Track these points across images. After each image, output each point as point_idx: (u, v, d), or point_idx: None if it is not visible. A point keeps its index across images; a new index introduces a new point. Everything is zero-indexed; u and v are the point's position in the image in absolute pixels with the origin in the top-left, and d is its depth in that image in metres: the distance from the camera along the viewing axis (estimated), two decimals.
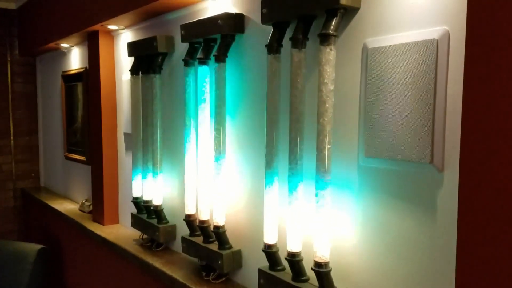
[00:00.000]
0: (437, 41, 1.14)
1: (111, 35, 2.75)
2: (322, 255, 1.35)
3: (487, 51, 0.93)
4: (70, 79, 3.45)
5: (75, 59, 3.34)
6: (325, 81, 1.32)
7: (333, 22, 1.32)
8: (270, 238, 1.53)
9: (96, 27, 2.61)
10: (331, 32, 1.31)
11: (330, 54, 1.31)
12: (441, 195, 1.15)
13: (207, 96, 1.85)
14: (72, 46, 3.34)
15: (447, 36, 1.13)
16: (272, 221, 1.53)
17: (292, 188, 1.43)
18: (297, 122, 1.42)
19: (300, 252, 1.45)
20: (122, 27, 2.59)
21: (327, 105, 1.32)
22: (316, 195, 1.35)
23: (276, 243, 1.54)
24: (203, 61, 1.85)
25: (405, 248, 1.23)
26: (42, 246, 3.08)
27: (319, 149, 1.34)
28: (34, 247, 3.06)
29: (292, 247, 1.44)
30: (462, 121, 1.00)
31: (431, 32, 1.16)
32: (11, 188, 3.99)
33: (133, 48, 2.36)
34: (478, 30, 0.95)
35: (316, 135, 1.34)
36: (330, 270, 1.36)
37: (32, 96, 4.09)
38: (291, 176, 1.43)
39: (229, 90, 1.80)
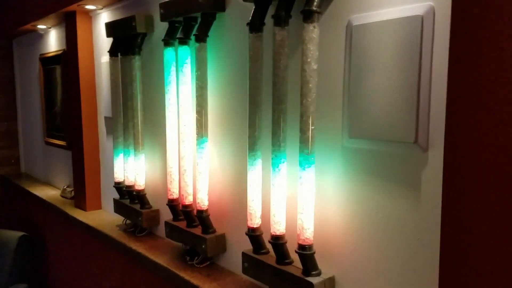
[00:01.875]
0: (422, 17, 1.10)
1: (89, 15, 2.67)
2: (306, 237, 1.33)
3: (473, 27, 0.90)
4: (48, 62, 3.35)
5: (53, 41, 3.24)
6: (309, 60, 1.28)
7: None
8: (253, 221, 1.51)
9: (73, 7, 2.52)
10: (314, 8, 1.27)
11: (313, 31, 1.27)
12: (425, 176, 1.13)
13: (188, 77, 1.80)
14: (50, 28, 3.23)
15: (432, 12, 1.10)
16: (255, 204, 1.50)
17: (275, 170, 1.41)
18: (280, 103, 1.39)
19: (283, 235, 1.43)
20: (100, 7, 2.50)
21: (310, 85, 1.29)
22: (300, 177, 1.32)
23: (259, 227, 1.52)
24: (183, 41, 1.79)
25: (390, 229, 1.21)
26: (24, 233, 3.03)
27: (303, 131, 1.31)
28: (15, 235, 3.00)
29: (276, 230, 1.42)
30: (447, 100, 0.98)
31: (416, 8, 1.12)
32: None
33: (111, 28, 2.28)
34: (463, 5, 0.92)
35: (299, 116, 1.31)
36: (313, 253, 1.34)
37: (10, 81, 3.97)
38: (274, 159, 1.40)
39: (211, 71, 1.75)
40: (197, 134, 1.72)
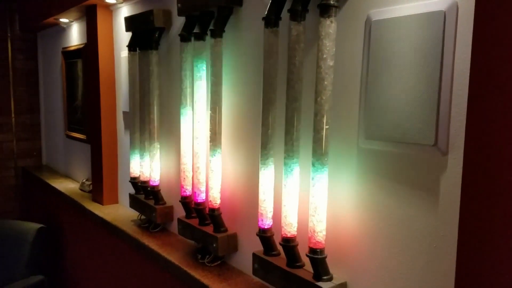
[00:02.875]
0: (445, 12, 1.04)
1: (110, 9, 2.67)
2: (317, 240, 1.28)
3: (497, 24, 0.84)
4: (70, 55, 3.38)
5: (75, 35, 3.26)
6: (324, 56, 1.23)
7: None
8: (264, 222, 1.47)
9: (94, 1, 2.52)
10: (332, 2, 1.22)
11: (330, 26, 1.22)
12: (444, 180, 1.07)
13: (203, 73, 1.77)
14: (72, 22, 3.26)
15: (455, 7, 1.04)
16: (266, 204, 1.46)
17: (287, 171, 1.36)
18: (294, 101, 1.34)
19: (294, 237, 1.39)
20: (120, 0, 2.50)
21: (325, 83, 1.24)
22: (312, 179, 1.28)
23: (270, 228, 1.48)
24: (199, 36, 1.76)
25: (405, 235, 1.16)
26: (42, 225, 3.06)
27: (316, 130, 1.26)
28: (33, 226, 3.04)
29: (287, 232, 1.38)
30: (468, 100, 0.92)
31: (439, 3, 1.06)
32: (12, 167, 3.97)
33: (130, 22, 2.27)
34: (488, 0, 0.86)
35: (313, 114, 1.26)
36: (325, 257, 1.29)
37: (34, 73, 4.03)
38: (286, 158, 1.36)
39: (227, 67, 1.72)
40: (210, 131, 1.69)
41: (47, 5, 3.16)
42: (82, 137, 3.22)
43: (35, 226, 3.05)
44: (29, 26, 3.70)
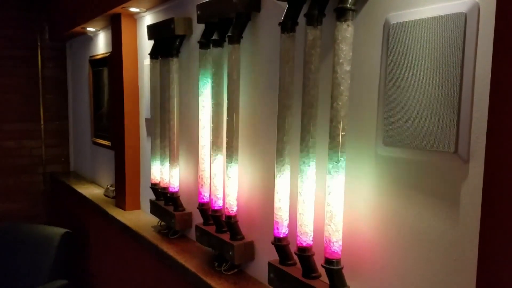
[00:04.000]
0: (466, 14, 1.00)
1: (134, 18, 2.71)
2: (333, 250, 1.24)
3: None
4: (97, 63, 3.45)
5: (101, 44, 3.33)
6: (341, 61, 1.20)
7: None
8: (279, 230, 1.44)
9: (118, 9, 2.56)
10: (348, 6, 1.19)
11: (347, 30, 1.19)
12: (465, 190, 1.02)
13: (221, 79, 1.76)
14: (98, 30, 3.32)
15: (476, 9, 0.99)
16: (282, 212, 1.43)
17: (302, 178, 1.33)
18: (309, 107, 1.31)
19: (310, 246, 1.35)
20: (144, 9, 2.53)
21: (341, 88, 1.21)
22: (328, 186, 1.24)
23: (286, 236, 1.45)
24: (218, 43, 1.76)
25: (424, 247, 1.11)
26: (67, 230, 3.11)
27: (332, 136, 1.22)
28: (58, 231, 3.09)
29: (302, 241, 1.34)
30: (489, 106, 0.87)
31: (459, 5, 1.02)
32: (41, 172, 4.06)
33: (152, 31, 2.30)
34: (511, 2, 0.82)
35: (329, 121, 1.23)
36: (341, 268, 1.25)
37: (63, 81, 4.13)
38: (302, 165, 1.33)
39: (244, 73, 1.70)
40: (227, 137, 1.68)
41: (74, 14, 3.24)
42: (107, 144, 3.27)
43: (61, 231, 3.10)
44: (58, 35, 3.80)
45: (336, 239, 1.24)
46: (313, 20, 1.29)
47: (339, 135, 1.22)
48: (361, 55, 1.25)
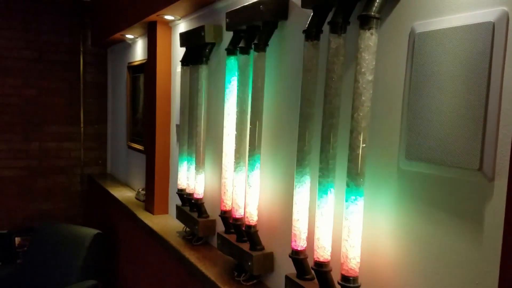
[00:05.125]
0: (494, 24, 0.94)
1: (169, 26, 2.75)
2: (350, 267, 1.20)
3: None
4: (134, 70, 3.53)
5: (139, 51, 3.40)
6: (363, 70, 1.16)
7: (376, 3, 1.16)
8: (297, 243, 1.40)
9: (153, 17, 2.61)
10: (372, 13, 1.15)
11: (370, 39, 1.15)
12: (489, 210, 0.96)
13: (246, 87, 1.75)
14: (137, 38, 3.40)
15: (505, 17, 0.93)
16: (300, 224, 1.39)
17: (321, 190, 1.29)
18: (331, 117, 1.28)
19: (328, 262, 1.31)
20: (178, 17, 2.56)
21: (363, 98, 1.17)
22: (346, 200, 1.20)
23: (304, 250, 1.41)
24: (244, 50, 1.75)
25: (445, 269, 1.05)
26: (98, 231, 3.18)
27: (352, 148, 1.18)
28: (90, 232, 3.16)
29: (319, 256, 1.30)
30: None
31: (487, 13, 0.97)
32: (79, 174, 4.19)
33: (184, 38, 2.32)
34: None
35: (350, 132, 1.19)
36: (358, 286, 1.20)
37: (103, 86, 4.25)
38: (321, 177, 1.29)
39: (269, 81, 1.68)
40: (250, 145, 1.66)
41: (114, 21, 3.33)
42: (140, 148, 3.33)
43: (93, 231, 3.16)
44: (100, 41, 3.92)
45: (353, 256, 1.19)
46: (337, 28, 1.25)
47: (359, 146, 1.18)
48: (386, 65, 1.21)
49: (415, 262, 1.12)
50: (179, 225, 2.49)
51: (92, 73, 4.19)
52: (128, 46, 3.66)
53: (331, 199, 1.29)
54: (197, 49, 2.19)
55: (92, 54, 4.16)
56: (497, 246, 0.93)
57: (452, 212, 1.04)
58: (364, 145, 1.18)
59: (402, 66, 1.16)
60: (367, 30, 1.16)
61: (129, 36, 3.35)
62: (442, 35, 1.05)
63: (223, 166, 1.90)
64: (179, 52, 2.63)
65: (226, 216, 1.88)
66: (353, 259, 1.20)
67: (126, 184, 3.78)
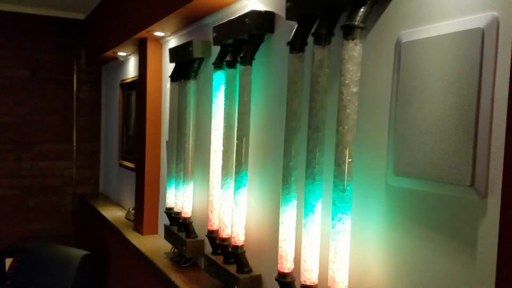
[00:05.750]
0: (483, 30, 0.89)
1: (160, 42, 2.71)
2: None
3: None
4: (127, 87, 3.49)
5: (132, 68, 3.37)
6: (347, 81, 1.11)
7: (360, 12, 1.11)
8: (284, 265, 1.32)
9: (143, 34, 2.57)
10: (356, 23, 1.10)
11: (354, 49, 1.10)
12: (483, 228, 0.89)
13: (233, 102, 1.70)
14: (129, 55, 3.37)
15: (495, 23, 0.88)
16: (287, 245, 1.32)
17: (308, 209, 1.22)
18: (316, 131, 1.22)
19: (315, 285, 1.23)
20: (168, 33, 2.53)
21: (348, 111, 1.11)
22: (332, 219, 1.13)
23: (291, 272, 1.33)
24: (231, 64, 1.70)
25: None
26: (88, 252, 3.09)
27: (337, 164, 1.12)
28: (79, 253, 3.07)
29: (306, 279, 1.22)
30: (507, 132, 0.75)
31: (476, 19, 0.91)
32: (71, 193, 4.11)
33: (173, 54, 2.28)
34: None
35: (335, 146, 1.13)
36: None
37: (97, 104, 4.21)
38: (307, 193, 1.23)
39: (256, 96, 1.63)
40: (236, 161, 1.60)
41: (106, 39, 3.31)
42: (132, 166, 3.26)
43: (82, 252, 3.08)
44: (94, 59, 3.89)
45: (340, 279, 1.12)
46: (321, 39, 1.21)
47: (345, 162, 1.11)
48: (371, 76, 1.15)
49: (403, 284, 1.05)
50: (167, 246, 2.41)
51: (86, 91, 4.15)
52: (121, 64, 3.63)
53: (317, 218, 1.22)
54: (185, 65, 2.15)
55: (86, 72, 4.13)
56: (491, 267, 0.86)
57: (443, 232, 0.97)
58: (350, 159, 1.11)
59: (388, 77, 1.11)
60: (351, 40, 1.11)
61: (121, 53, 3.32)
62: (429, 44, 1.00)
63: (210, 184, 1.83)
64: (170, 68, 2.58)
65: (213, 236, 1.80)
66: (340, 282, 1.12)
67: (117, 204, 3.70)
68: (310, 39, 1.29)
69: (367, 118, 1.16)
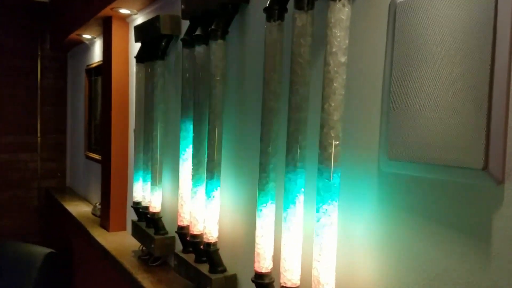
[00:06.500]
0: None
1: (126, 21, 2.50)
2: None
3: None
4: (92, 73, 3.27)
5: (97, 52, 3.14)
6: (334, 50, 0.94)
7: None
8: (261, 264, 1.16)
9: (108, 11, 2.36)
10: None
11: (341, 11, 0.94)
12: (498, 219, 0.74)
13: (205, 82, 1.52)
14: (95, 38, 3.14)
15: None
16: (264, 241, 1.16)
17: (289, 200, 1.06)
18: (298, 111, 1.05)
19: (297, 286, 1.07)
20: (135, 11, 2.32)
21: (335, 85, 0.95)
22: (317, 211, 0.97)
23: (269, 272, 1.17)
24: (202, 40, 1.52)
25: None
26: (51, 250, 2.88)
27: (323, 147, 0.96)
28: (42, 251, 2.86)
29: (286, 280, 1.06)
30: None
31: None
32: (36, 187, 3.86)
33: (138, 32, 2.08)
34: None
35: (320, 126, 0.97)
36: None
37: (62, 93, 3.96)
38: (288, 183, 1.06)
39: (231, 74, 1.46)
40: (209, 148, 1.42)
41: (70, 21, 3.07)
42: (99, 158, 3.05)
43: (45, 251, 2.87)
44: (59, 44, 3.63)
45: (326, 281, 0.96)
46: (303, 2, 1.04)
47: (331, 144, 0.95)
48: (362, 44, 0.99)
49: (402, 283, 0.90)
50: (136, 244, 2.22)
51: (51, 79, 3.89)
52: (86, 48, 3.39)
53: (299, 210, 1.06)
54: (152, 44, 1.95)
55: (51, 59, 3.87)
56: (509, 266, 0.72)
57: (449, 223, 0.82)
58: (337, 142, 0.95)
59: (381, 45, 0.95)
60: (338, 1, 0.94)
61: (86, 36, 3.09)
62: (430, 3, 0.84)
63: (180, 174, 1.65)
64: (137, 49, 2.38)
65: (183, 232, 1.63)
66: (326, 284, 0.96)
67: (85, 198, 3.47)
68: (291, 5, 1.12)
69: (356, 93, 1.00)
